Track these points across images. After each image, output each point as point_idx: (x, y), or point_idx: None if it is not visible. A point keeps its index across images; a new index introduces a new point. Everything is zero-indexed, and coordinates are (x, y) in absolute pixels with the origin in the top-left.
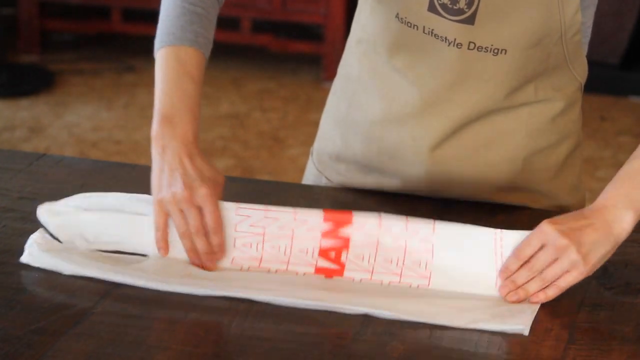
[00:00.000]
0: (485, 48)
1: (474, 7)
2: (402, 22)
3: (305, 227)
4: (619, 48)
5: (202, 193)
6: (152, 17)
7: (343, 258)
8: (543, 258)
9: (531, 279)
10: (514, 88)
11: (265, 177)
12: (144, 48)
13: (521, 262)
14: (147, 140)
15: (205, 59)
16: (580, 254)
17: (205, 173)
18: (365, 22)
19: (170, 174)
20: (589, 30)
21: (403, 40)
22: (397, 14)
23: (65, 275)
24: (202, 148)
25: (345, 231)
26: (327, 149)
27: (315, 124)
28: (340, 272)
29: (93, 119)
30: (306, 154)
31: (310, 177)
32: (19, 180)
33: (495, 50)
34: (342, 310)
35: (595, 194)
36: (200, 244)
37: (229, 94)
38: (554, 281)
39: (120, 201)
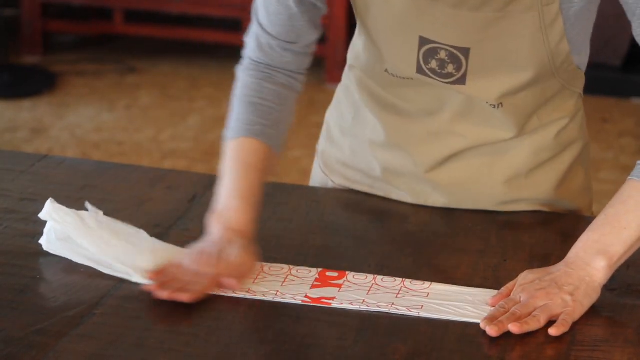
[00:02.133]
0: (482, 100)
1: (462, 71)
2: (393, 76)
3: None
4: (621, 50)
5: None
6: (154, 18)
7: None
8: (531, 303)
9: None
10: (516, 124)
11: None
12: (146, 49)
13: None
14: (149, 141)
15: (263, 143)
16: (568, 296)
17: (231, 258)
18: (359, 56)
19: (209, 247)
20: (586, 48)
21: (397, 84)
22: (387, 69)
23: (66, 277)
24: (203, 149)
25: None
26: (335, 154)
27: (318, 126)
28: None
29: (95, 120)
30: (308, 156)
31: (317, 179)
32: (21, 181)
33: (493, 105)
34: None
35: (598, 196)
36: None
37: (230, 95)
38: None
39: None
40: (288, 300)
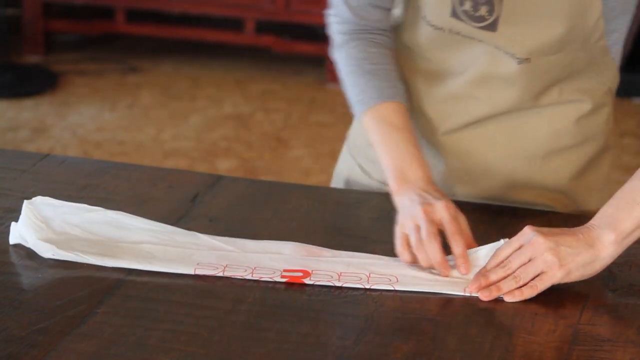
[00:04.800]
0: (509, 54)
1: (494, 15)
2: (429, 25)
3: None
4: (623, 50)
5: (440, 205)
6: (155, 18)
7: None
8: (518, 258)
9: (505, 277)
10: (537, 92)
11: (269, 178)
12: (148, 49)
13: (498, 262)
14: (151, 140)
15: (399, 102)
16: (555, 256)
17: (439, 195)
18: (396, 18)
19: (410, 204)
20: (621, 38)
21: (431, 38)
22: (424, 16)
23: (68, 276)
24: (205, 149)
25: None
26: (361, 132)
27: (319, 125)
28: (306, 275)
29: (97, 120)
30: (309, 155)
31: (342, 164)
32: (22, 180)
33: (519, 59)
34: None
35: None
36: (431, 250)
37: (232, 94)
38: (529, 281)
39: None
40: (265, 278)
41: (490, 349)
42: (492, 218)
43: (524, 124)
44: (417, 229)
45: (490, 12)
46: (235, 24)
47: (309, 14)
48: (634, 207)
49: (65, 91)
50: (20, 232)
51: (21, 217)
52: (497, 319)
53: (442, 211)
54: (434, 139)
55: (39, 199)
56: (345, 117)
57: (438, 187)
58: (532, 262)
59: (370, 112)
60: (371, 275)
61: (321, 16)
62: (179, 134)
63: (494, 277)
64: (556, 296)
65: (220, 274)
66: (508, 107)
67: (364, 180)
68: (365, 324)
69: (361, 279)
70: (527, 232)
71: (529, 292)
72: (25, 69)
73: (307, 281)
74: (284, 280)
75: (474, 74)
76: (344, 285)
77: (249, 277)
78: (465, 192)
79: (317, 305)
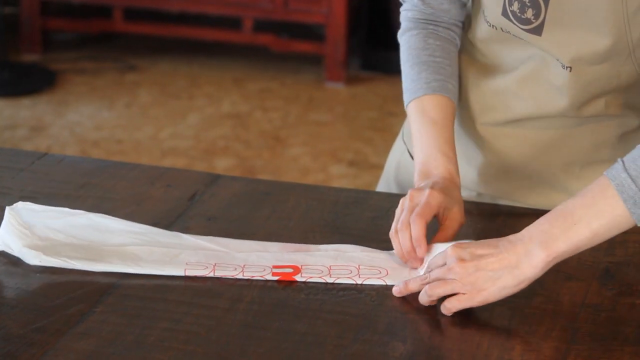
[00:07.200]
0: (557, 60)
1: (540, 19)
2: (485, 20)
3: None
4: None
5: (426, 191)
6: (153, 16)
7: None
8: (437, 275)
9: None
10: (582, 102)
11: (267, 177)
12: (146, 47)
13: (424, 272)
14: (149, 139)
15: (445, 97)
16: (472, 284)
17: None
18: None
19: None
20: None
21: (487, 34)
22: (483, 11)
23: (66, 275)
24: (203, 148)
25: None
26: None
27: (317, 124)
28: (296, 271)
29: (95, 118)
30: (307, 154)
31: (396, 147)
32: (20, 179)
33: (563, 65)
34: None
35: None
36: (402, 238)
37: (230, 93)
38: (438, 298)
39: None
40: (256, 277)
41: (488, 348)
42: (489, 217)
43: (566, 131)
44: (400, 214)
45: (537, 16)
46: (233, 23)
47: (307, 13)
48: (570, 228)
49: (63, 90)
50: (3, 240)
51: (3, 224)
52: (495, 318)
53: (423, 196)
54: (473, 129)
55: (20, 205)
56: (343, 116)
57: (455, 184)
58: (446, 282)
59: (414, 102)
60: (361, 267)
61: (319, 15)
62: (177, 132)
63: (412, 286)
64: (554, 295)
65: (211, 274)
66: (551, 112)
67: (411, 166)
68: (363, 323)
69: (351, 272)
70: (450, 255)
71: (444, 310)
72: (23, 68)
73: (297, 278)
74: (275, 278)
75: (522, 74)
76: (336, 281)
77: (239, 276)
78: (500, 189)
79: (315, 304)
